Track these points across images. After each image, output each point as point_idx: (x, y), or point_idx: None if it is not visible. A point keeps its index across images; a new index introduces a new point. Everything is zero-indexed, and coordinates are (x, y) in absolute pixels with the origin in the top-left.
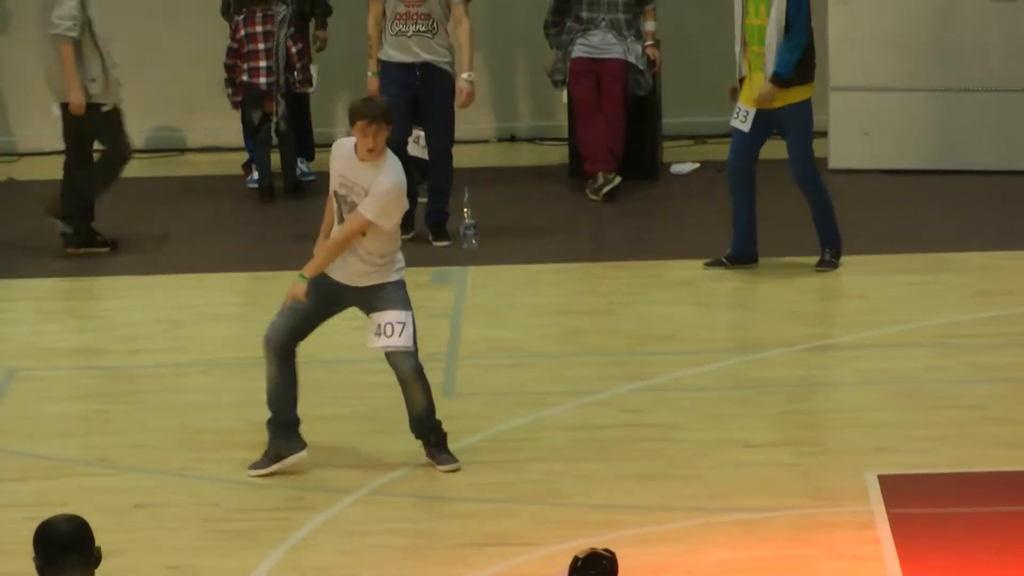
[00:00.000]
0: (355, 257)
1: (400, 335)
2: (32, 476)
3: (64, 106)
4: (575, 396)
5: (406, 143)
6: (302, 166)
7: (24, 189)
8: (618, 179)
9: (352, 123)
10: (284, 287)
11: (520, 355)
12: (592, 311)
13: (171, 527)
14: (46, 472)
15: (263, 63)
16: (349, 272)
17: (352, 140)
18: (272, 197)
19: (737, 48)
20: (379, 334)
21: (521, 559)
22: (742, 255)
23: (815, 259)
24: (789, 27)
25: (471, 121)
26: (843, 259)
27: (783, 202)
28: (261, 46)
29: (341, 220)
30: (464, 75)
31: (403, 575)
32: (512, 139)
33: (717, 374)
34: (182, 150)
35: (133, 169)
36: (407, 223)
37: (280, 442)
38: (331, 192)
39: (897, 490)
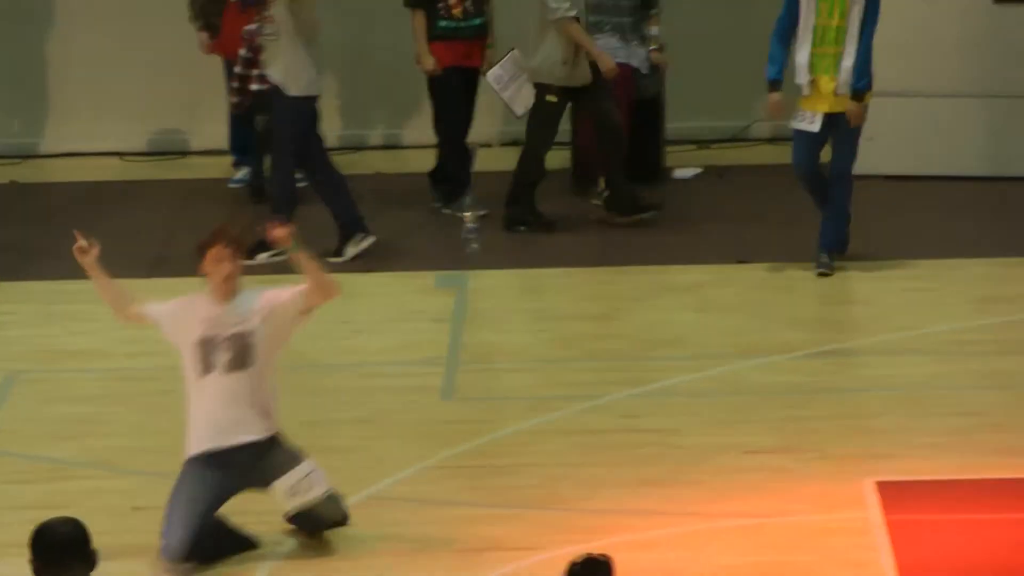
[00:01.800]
0: (238, 406)
1: (314, 486)
2: (34, 478)
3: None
4: (576, 401)
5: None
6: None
7: (27, 191)
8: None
9: (203, 254)
10: None
11: (521, 359)
12: (594, 316)
13: None
14: (48, 474)
15: None
16: (232, 427)
17: (195, 296)
18: (262, 196)
19: (804, 54)
20: (293, 494)
21: (520, 564)
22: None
23: (815, 264)
24: (861, 31)
25: (474, 125)
26: (845, 265)
27: (784, 206)
28: None
29: (207, 371)
30: None
31: None
32: (515, 143)
33: (718, 379)
34: (184, 153)
35: (135, 172)
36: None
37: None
38: (189, 344)
39: (896, 497)
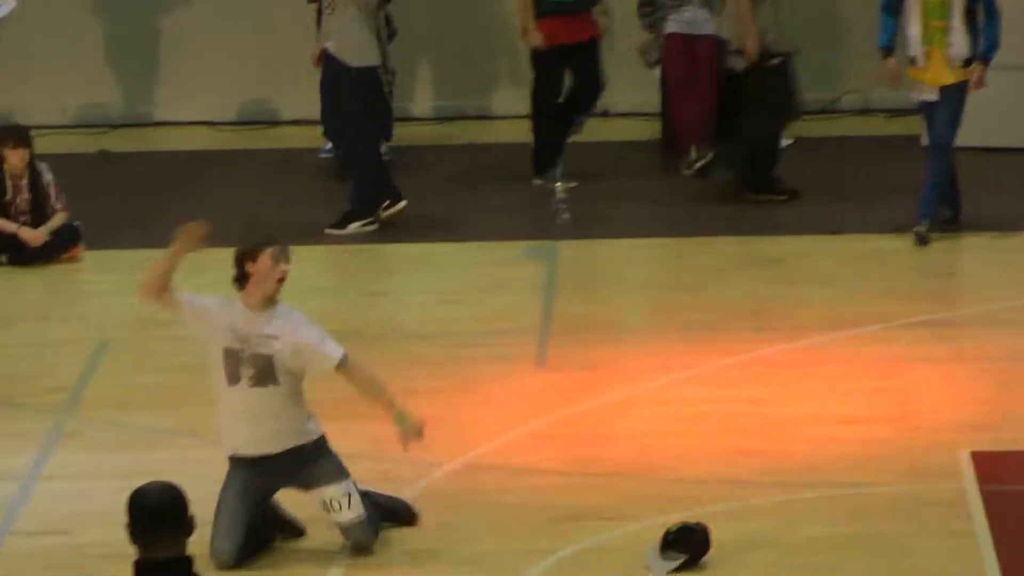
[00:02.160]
0: (270, 419)
1: (349, 507)
2: (127, 446)
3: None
4: (668, 371)
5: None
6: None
7: (117, 160)
8: (711, 155)
9: (255, 254)
10: (374, 261)
11: (612, 330)
12: (685, 286)
13: None
14: (140, 443)
15: None
16: (269, 438)
17: (234, 301)
18: None
19: (915, 26)
20: (327, 509)
21: (613, 533)
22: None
23: (908, 236)
24: (967, 3)
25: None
26: (937, 236)
27: (875, 177)
28: None
29: (233, 382)
30: None
31: (496, 548)
32: (605, 114)
33: (810, 350)
34: (275, 123)
35: (225, 141)
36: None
37: None
38: (216, 349)
39: (991, 467)
